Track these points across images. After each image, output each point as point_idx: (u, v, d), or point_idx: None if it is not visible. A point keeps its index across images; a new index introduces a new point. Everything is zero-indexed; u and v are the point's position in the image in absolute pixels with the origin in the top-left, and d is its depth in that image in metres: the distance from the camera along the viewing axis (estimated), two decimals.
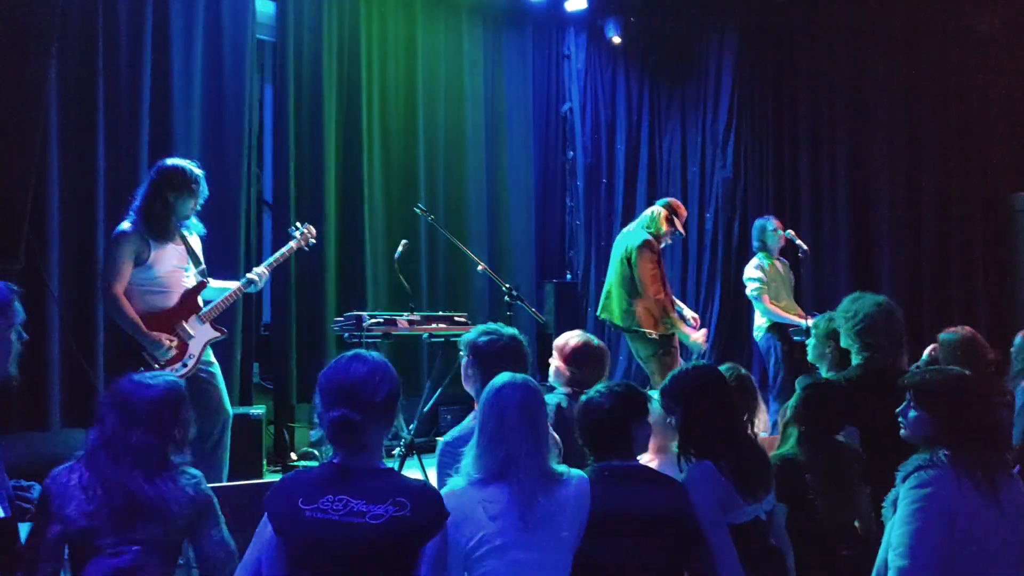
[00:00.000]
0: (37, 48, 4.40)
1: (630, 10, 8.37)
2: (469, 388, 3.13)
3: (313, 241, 4.99)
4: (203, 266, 4.49)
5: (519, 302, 5.31)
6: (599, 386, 2.79)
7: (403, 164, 7.36)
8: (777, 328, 6.36)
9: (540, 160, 8.56)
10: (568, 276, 8.71)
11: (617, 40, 8.43)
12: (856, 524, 3.16)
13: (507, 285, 5.36)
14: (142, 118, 5.74)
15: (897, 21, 7.79)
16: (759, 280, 6.42)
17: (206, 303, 4.44)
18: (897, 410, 2.80)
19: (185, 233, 4.43)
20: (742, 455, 2.79)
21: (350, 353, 2.35)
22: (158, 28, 5.86)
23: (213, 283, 4.55)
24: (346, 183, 6.97)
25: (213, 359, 4.47)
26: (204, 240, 4.61)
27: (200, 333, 4.35)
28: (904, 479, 2.61)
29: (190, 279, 4.41)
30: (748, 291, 6.50)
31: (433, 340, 5.84)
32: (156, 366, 4.11)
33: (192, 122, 6.03)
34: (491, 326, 3.18)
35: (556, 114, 8.76)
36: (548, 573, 2.47)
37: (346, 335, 5.41)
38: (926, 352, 4.59)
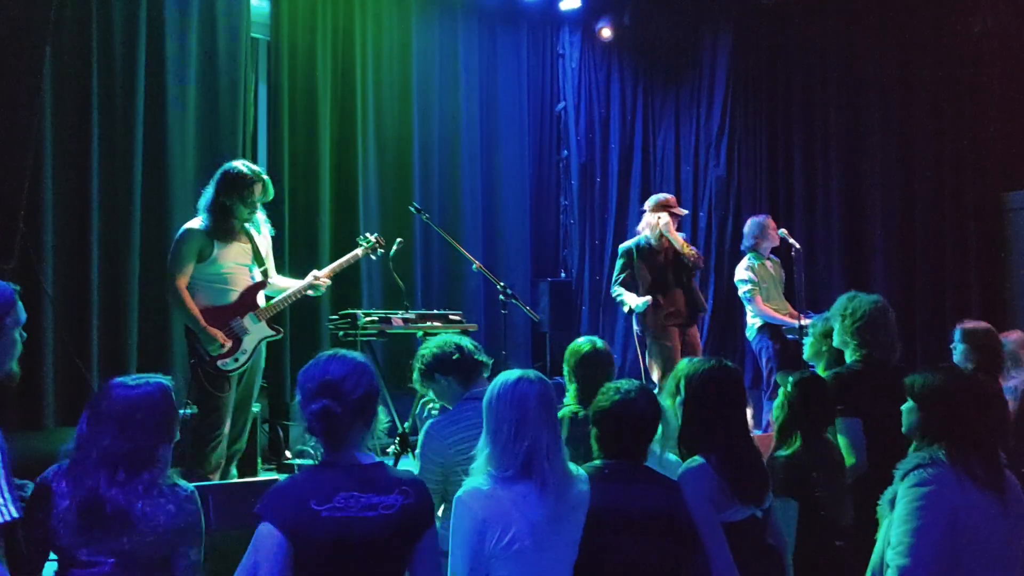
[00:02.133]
0: (31, 49, 4.41)
1: (624, 9, 8.38)
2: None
3: (381, 251, 5.12)
4: (266, 266, 4.63)
5: (514, 300, 5.33)
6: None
7: (398, 162, 7.36)
8: (769, 328, 6.37)
9: (535, 159, 8.58)
10: (563, 274, 8.73)
11: (607, 33, 8.43)
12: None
13: (502, 283, 5.37)
14: (136, 117, 5.75)
15: (890, 21, 7.79)
16: (750, 281, 6.44)
17: (267, 300, 4.60)
18: (903, 407, 2.79)
19: (253, 232, 4.58)
20: (737, 453, 2.76)
21: (329, 352, 2.38)
22: (152, 27, 5.86)
23: (279, 282, 4.71)
24: (341, 182, 6.98)
25: (262, 359, 4.65)
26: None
27: (255, 330, 4.51)
28: (903, 477, 2.58)
29: (254, 277, 4.56)
30: (740, 292, 6.52)
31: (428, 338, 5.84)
32: (207, 358, 4.32)
33: (187, 121, 6.04)
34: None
35: (550, 113, 8.77)
36: (559, 572, 2.46)
37: (341, 333, 5.41)
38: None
